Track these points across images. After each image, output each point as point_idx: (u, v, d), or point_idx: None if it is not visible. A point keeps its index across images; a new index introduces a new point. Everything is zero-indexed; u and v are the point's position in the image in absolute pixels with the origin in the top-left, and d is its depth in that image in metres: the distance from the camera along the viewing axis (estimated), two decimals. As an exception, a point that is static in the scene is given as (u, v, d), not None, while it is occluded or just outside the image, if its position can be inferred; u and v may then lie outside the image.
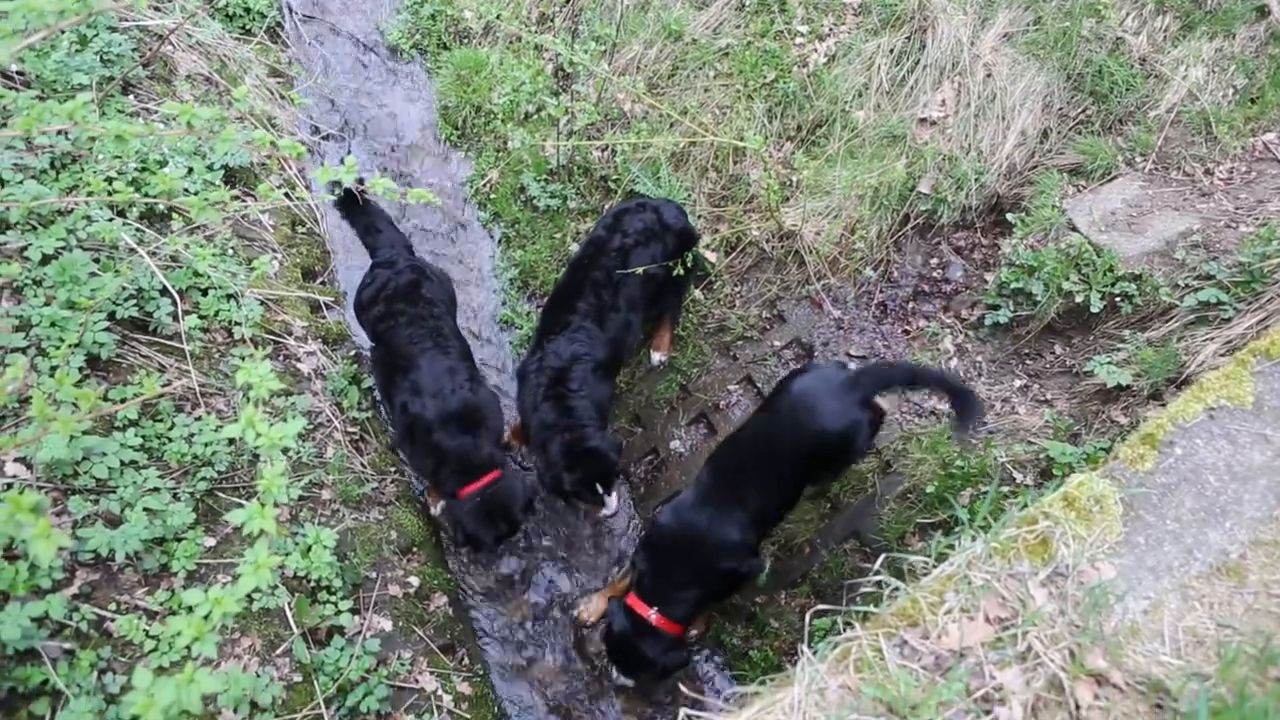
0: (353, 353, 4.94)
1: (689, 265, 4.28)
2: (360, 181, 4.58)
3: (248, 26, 6.18)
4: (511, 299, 5.39)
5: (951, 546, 2.09)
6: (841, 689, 1.72)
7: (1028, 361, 4.33)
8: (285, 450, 4.18)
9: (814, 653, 1.81)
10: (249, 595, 3.61)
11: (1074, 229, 4.29)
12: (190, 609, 1.99)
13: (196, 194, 4.67)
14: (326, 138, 6.07)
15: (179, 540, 3.48)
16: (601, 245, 4.25)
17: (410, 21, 6.58)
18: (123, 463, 3.48)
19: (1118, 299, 4.03)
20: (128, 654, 3.20)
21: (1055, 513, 2.03)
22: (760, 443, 3.75)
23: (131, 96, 4.89)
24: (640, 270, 4.10)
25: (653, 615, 3.79)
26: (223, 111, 2.96)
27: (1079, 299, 4.09)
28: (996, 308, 4.34)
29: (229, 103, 5.59)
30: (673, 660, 3.89)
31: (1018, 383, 4.29)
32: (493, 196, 5.72)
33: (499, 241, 5.63)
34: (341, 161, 4.35)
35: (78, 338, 3.58)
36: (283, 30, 6.44)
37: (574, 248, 5.19)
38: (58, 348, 3.52)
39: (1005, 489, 3.89)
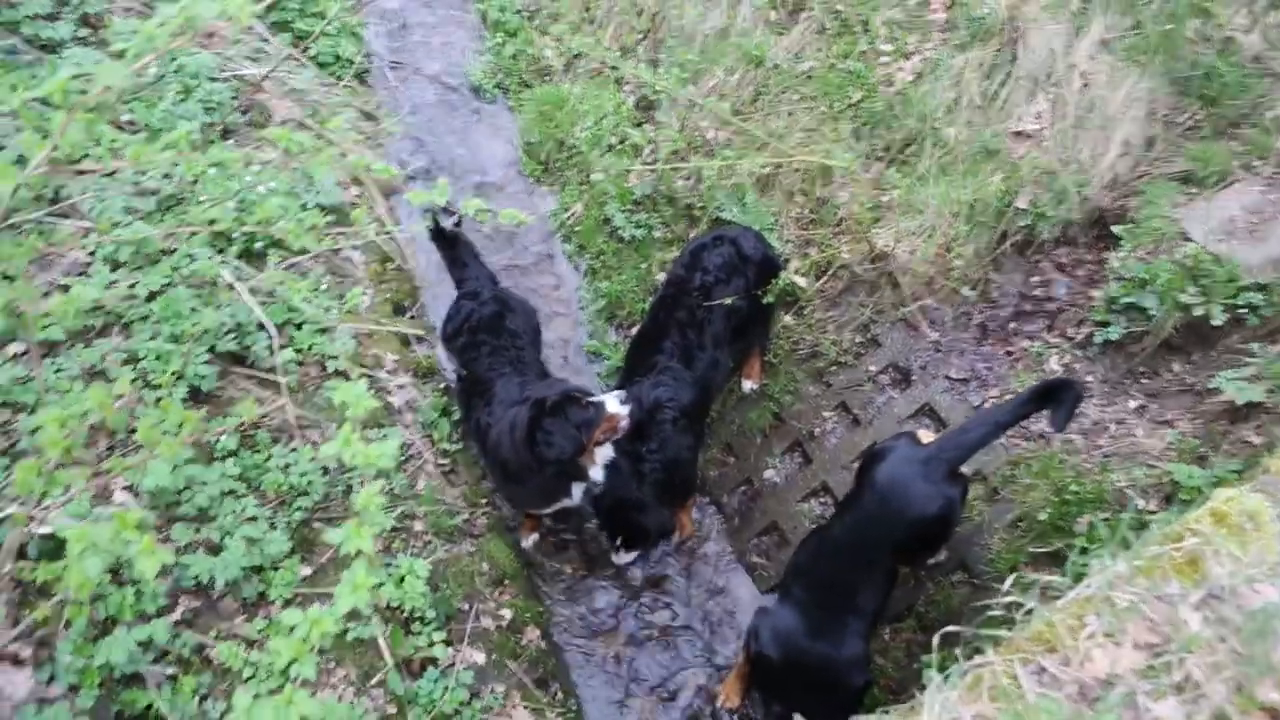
0: (442, 385, 4.97)
1: (774, 294, 4.20)
2: (449, 212, 4.71)
3: (337, 74, 6.38)
4: (598, 330, 5.37)
5: (1085, 567, 1.93)
6: (976, 719, 1.58)
7: (1143, 380, 4.09)
8: (380, 476, 4.21)
9: (944, 679, 1.67)
10: (344, 624, 3.63)
11: (1188, 239, 4.05)
12: (290, 629, 1.96)
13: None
14: (413, 177, 6.18)
15: (276, 569, 3.50)
16: (682, 285, 4.21)
17: (492, 62, 6.71)
18: (223, 492, 3.53)
19: (1241, 310, 3.77)
20: (227, 680, 3.21)
21: (1204, 529, 1.85)
22: (856, 542, 3.53)
23: (231, 141, 5.06)
24: (727, 301, 4.05)
25: None
26: (315, 142, 3.01)
27: (1198, 312, 3.84)
28: (1106, 324, 4.12)
29: (319, 147, 5.77)
30: None
31: (1133, 403, 4.04)
32: (577, 229, 5.74)
33: (584, 273, 5.63)
34: (430, 212, 4.45)
35: (180, 368, 3.67)
36: (370, 75, 6.63)
37: (660, 277, 5.15)
38: (162, 380, 3.63)
39: (1124, 515, 3.65)
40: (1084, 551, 3.68)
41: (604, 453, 3.91)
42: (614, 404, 3.74)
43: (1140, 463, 3.76)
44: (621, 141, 5.81)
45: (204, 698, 3.13)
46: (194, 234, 4.32)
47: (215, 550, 3.40)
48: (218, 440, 3.72)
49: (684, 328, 4.10)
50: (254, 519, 3.56)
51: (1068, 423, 3.40)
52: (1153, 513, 3.61)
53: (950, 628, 1.89)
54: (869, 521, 3.47)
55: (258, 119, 5.64)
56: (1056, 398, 3.36)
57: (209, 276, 4.09)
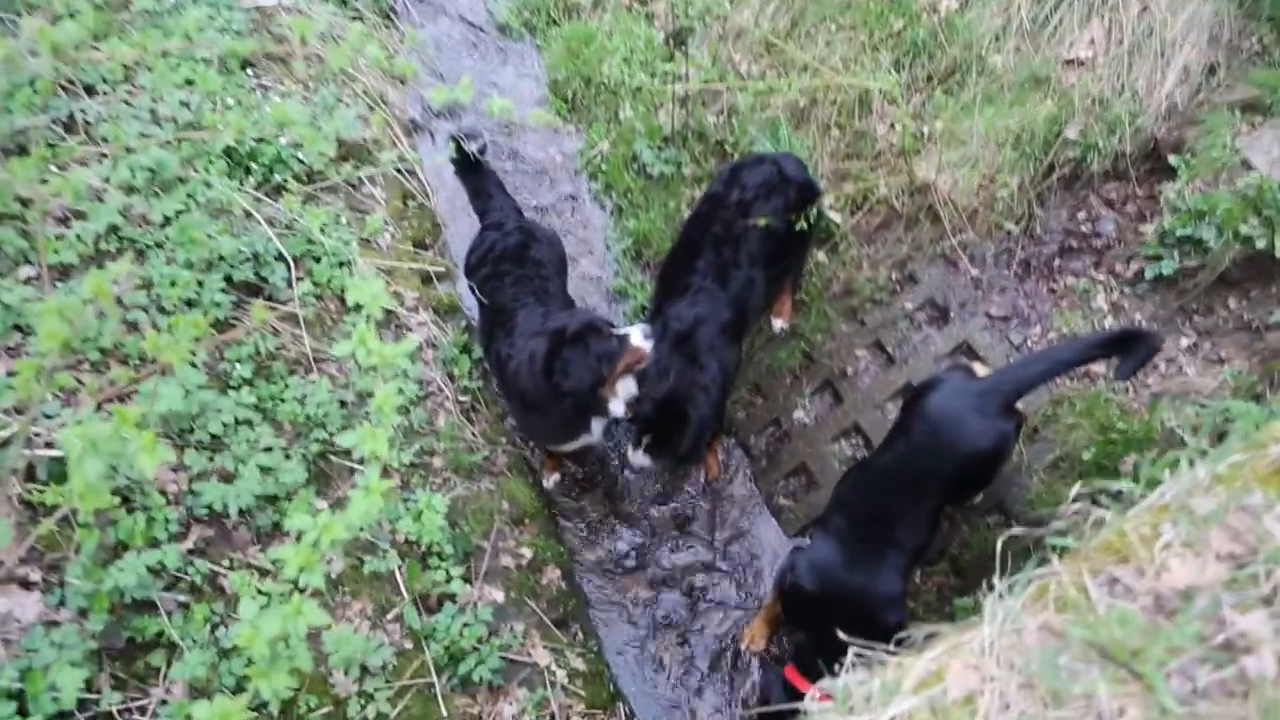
0: (464, 323, 4.84)
1: (812, 221, 4.00)
2: (473, 138, 4.56)
3: (360, 11, 6.21)
4: (625, 269, 5.21)
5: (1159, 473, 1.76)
6: (1042, 630, 1.43)
7: (1195, 318, 3.88)
8: (399, 410, 4.11)
9: (1007, 587, 1.52)
10: (360, 558, 3.54)
11: (1250, 169, 3.82)
12: (300, 536, 1.85)
13: (313, 167, 4.69)
14: (438, 115, 6.03)
15: (290, 499, 3.41)
16: (719, 200, 4.00)
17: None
18: (237, 420, 3.44)
19: (1307, 243, 3.55)
20: (240, 610, 3.13)
21: (1289, 438, 1.68)
22: (904, 475, 3.35)
23: (249, 71, 4.92)
24: (762, 222, 3.83)
25: (816, 695, 3.45)
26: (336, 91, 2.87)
27: (1260, 245, 3.62)
28: (1158, 259, 3.91)
29: (343, 81, 5.63)
30: None
31: (1185, 341, 3.85)
32: (604, 167, 5.56)
33: (611, 212, 5.47)
34: (454, 138, 4.25)
35: (196, 295, 3.57)
36: (395, 13, 6.45)
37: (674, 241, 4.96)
38: (175, 307, 3.53)
39: (1170, 454, 3.47)
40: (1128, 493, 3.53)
41: (626, 387, 3.76)
42: (638, 336, 3.58)
43: (1191, 401, 3.58)
44: (652, 76, 5.62)
45: (216, 626, 3.06)
46: (209, 160, 4.23)
47: (229, 479, 3.31)
48: (233, 368, 3.63)
49: (719, 244, 3.90)
50: (269, 449, 3.47)
51: (1134, 374, 3.22)
52: (1204, 452, 3.42)
53: (1015, 530, 1.73)
54: (917, 454, 3.31)
55: (276, 52, 5.50)
56: (1130, 348, 3.15)
57: (226, 203, 3.97)
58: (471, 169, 4.48)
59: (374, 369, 2.00)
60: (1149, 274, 3.93)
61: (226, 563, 3.22)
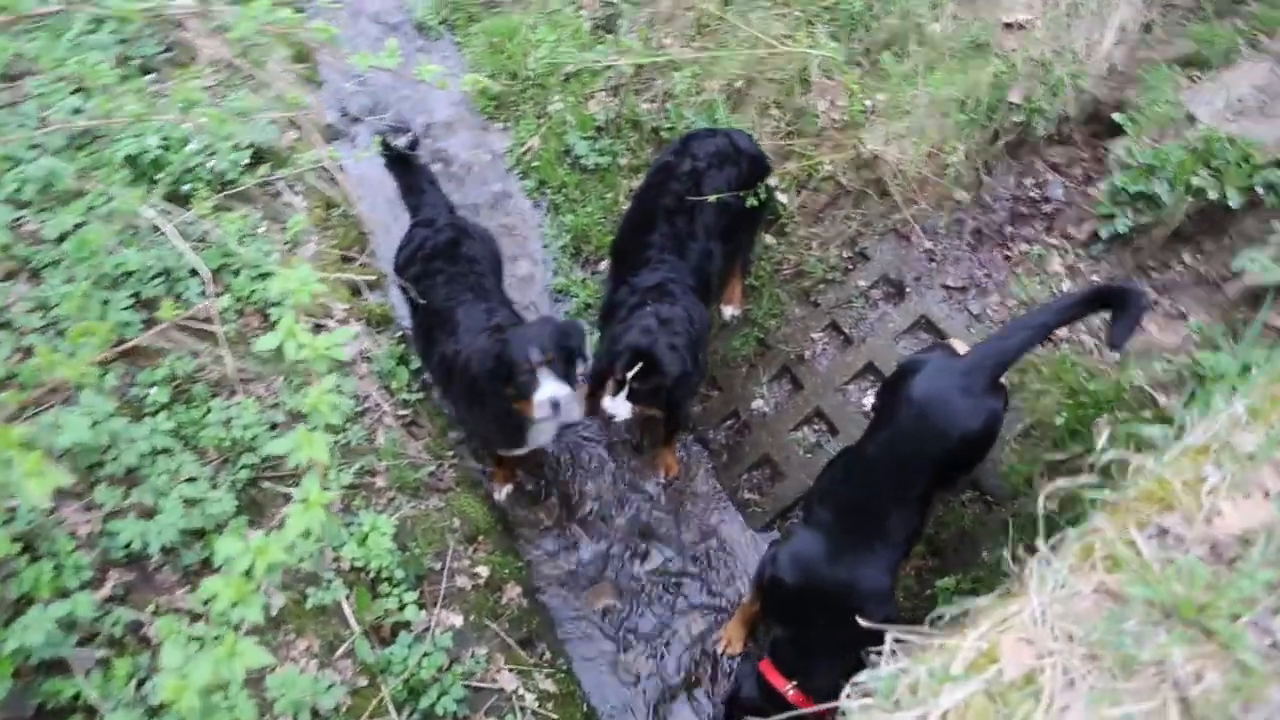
0: (399, 334, 4.57)
1: (763, 198, 3.84)
2: (400, 130, 4.33)
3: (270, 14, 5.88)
4: (564, 267, 4.99)
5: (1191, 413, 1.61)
6: (1098, 594, 1.25)
7: (1153, 275, 3.81)
8: (334, 431, 3.81)
9: (1049, 548, 1.34)
10: (302, 592, 3.24)
11: (1194, 121, 3.77)
12: (229, 564, 1.59)
13: (224, 176, 4.37)
14: (357, 120, 5.74)
15: (220, 531, 3.10)
16: (671, 170, 3.81)
17: (436, -3, 6.27)
18: (154, 449, 3.13)
19: (1260, 191, 3.50)
20: (164, 657, 2.81)
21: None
22: (891, 463, 3.14)
23: (151, 77, 4.58)
24: (713, 198, 3.65)
25: (790, 691, 3.19)
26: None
27: (1212, 196, 3.56)
28: (1111, 218, 3.83)
29: (256, 87, 5.31)
30: None
31: (1145, 300, 3.77)
32: (535, 164, 5.34)
33: (546, 209, 5.25)
34: (380, 134, 3.94)
35: (100, 314, 3.24)
36: (304, 14, 6.13)
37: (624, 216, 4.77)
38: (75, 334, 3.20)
39: (1147, 413, 3.38)
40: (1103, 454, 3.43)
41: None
42: (545, 394, 3.24)
43: (1158, 358, 3.49)
44: (579, 70, 5.43)
45: (142, 681, 2.73)
46: (111, 170, 3.90)
47: (148, 514, 3.00)
48: (146, 393, 3.30)
49: (672, 215, 3.71)
50: (193, 479, 3.16)
51: (1129, 338, 2.96)
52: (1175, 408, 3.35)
53: (1060, 483, 1.55)
54: (905, 440, 3.11)
55: (181, 58, 5.16)
56: (1117, 304, 2.96)
57: (129, 215, 3.64)
58: (402, 164, 4.24)
59: (305, 385, 1.74)
60: (1103, 233, 3.85)
61: (151, 609, 2.90)
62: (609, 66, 5.16)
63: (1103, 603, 1.25)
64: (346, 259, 4.92)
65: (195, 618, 2.92)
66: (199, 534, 3.07)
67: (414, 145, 4.27)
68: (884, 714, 1.16)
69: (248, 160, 4.56)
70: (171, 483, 3.08)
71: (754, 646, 3.86)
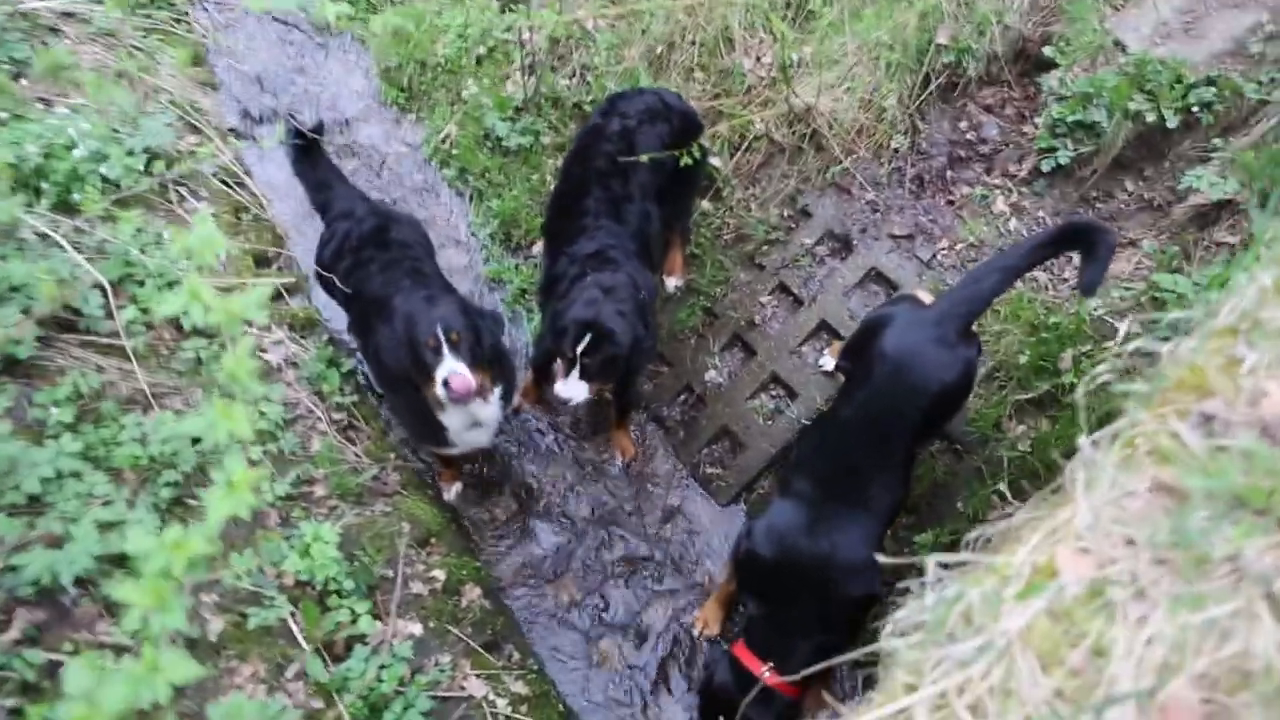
0: (326, 337, 4.29)
1: (698, 157, 3.68)
2: (318, 129, 4.05)
3: (151, 16, 5.52)
4: (495, 254, 4.76)
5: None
6: (1155, 490, 1.11)
7: (1098, 206, 3.78)
8: (268, 438, 3.53)
9: (1092, 444, 1.19)
10: (241, 613, 2.97)
11: (1124, 50, 3.74)
12: (144, 561, 1.35)
13: (118, 182, 4.03)
14: (259, 120, 5.42)
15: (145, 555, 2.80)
16: (600, 132, 3.62)
17: (331, -11, 5.95)
18: (60, 472, 2.81)
19: (1194, 110, 3.48)
20: (66, 682, 2.53)
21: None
22: (869, 425, 3.00)
23: (24, 82, 4.22)
24: (645, 158, 3.47)
25: (765, 673, 3.00)
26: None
27: (1149, 119, 3.54)
28: (1052, 150, 3.79)
29: (145, 93, 4.96)
30: None
31: (1092, 231, 3.73)
32: (454, 152, 5.10)
33: (470, 197, 5.00)
34: (289, 116, 3.64)
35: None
36: (190, 17, 5.78)
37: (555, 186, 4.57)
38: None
39: (1107, 345, 3.32)
40: (1071, 389, 3.36)
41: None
42: (443, 371, 2.99)
43: (1114, 287, 3.44)
44: (491, 51, 5.21)
45: (67, 724, 2.44)
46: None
47: (58, 543, 2.69)
48: (48, 413, 2.99)
49: (606, 178, 3.51)
50: (108, 501, 2.86)
51: (1101, 278, 2.82)
52: (1138, 334, 3.29)
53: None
54: (881, 399, 2.97)
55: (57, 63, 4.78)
56: (1084, 243, 2.84)
57: (8, 224, 3.31)
58: (307, 158, 3.96)
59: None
60: (1045, 167, 3.80)
61: (69, 647, 2.59)
62: (523, 45, 4.94)
63: (1159, 501, 1.10)
64: (263, 263, 4.62)
65: (122, 651, 2.63)
66: (119, 559, 2.77)
67: (320, 129, 3.99)
68: (938, 649, 0.99)
69: (143, 166, 4.22)
70: (83, 507, 2.77)
71: (732, 628, 3.70)
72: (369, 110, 5.55)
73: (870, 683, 3.39)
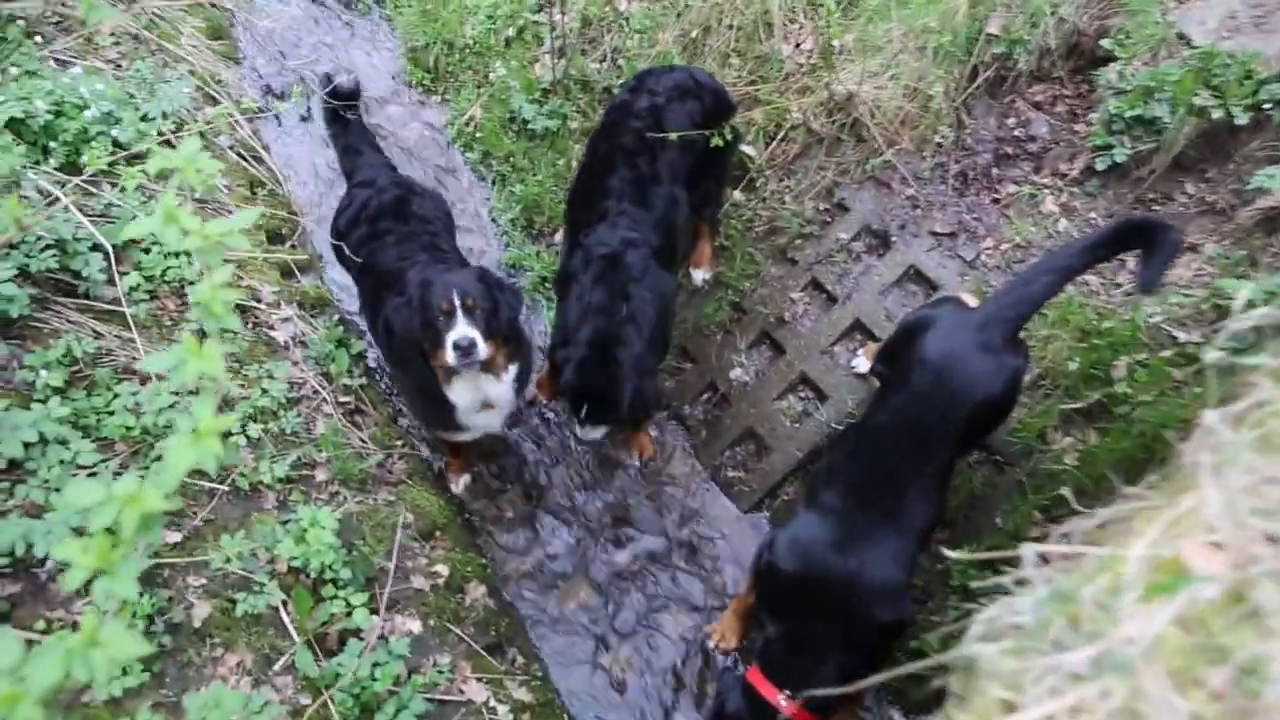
0: (336, 317, 4.12)
1: (729, 139, 3.49)
2: (354, 93, 3.94)
3: (176, -12, 5.41)
4: (516, 240, 4.59)
5: None
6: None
7: (1155, 208, 3.54)
8: (268, 416, 3.36)
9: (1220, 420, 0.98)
10: (230, 598, 2.79)
11: (1186, 41, 3.53)
12: (85, 515, 1.17)
13: (130, 146, 3.89)
14: (281, 96, 5.28)
15: (129, 530, 2.64)
16: (628, 108, 3.44)
17: (362, -33, 5.84)
18: (44, 437, 2.65)
19: (1265, 107, 3.26)
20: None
21: None
22: (906, 434, 2.77)
23: (37, 38, 4.09)
24: (674, 136, 3.29)
25: (782, 702, 2.77)
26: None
27: (1215, 115, 3.31)
28: (1108, 148, 3.56)
29: (167, 62, 4.84)
30: None
31: (1149, 234, 3.50)
32: (478, 135, 4.94)
33: (493, 182, 4.84)
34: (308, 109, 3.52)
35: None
36: (218, -9, 5.67)
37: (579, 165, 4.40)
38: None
39: (1167, 353, 3.10)
40: (1125, 399, 3.14)
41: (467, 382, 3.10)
42: (458, 334, 2.83)
43: (1172, 293, 3.22)
44: (520, 33, 5.06)
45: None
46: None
47: (37, 513, 2.52)
48: (36, 376, 2.83)
49: (633, 156, 3.32)
50: (94, 471, 2.69)
51: (1160, 279, 2.62)
52: (1198, 343, 3.07)
53: None
54: (920, 407, 2.74)
55: (80, 28, 4.66)
56: (1146, 241, 2.62)
57: (8, 177, 3.16)
58: (339, 121, 3.85)
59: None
60: (1100, 165, 3.58)
61: (41, 625, 2.42)
62: (553, 27, 4.78)
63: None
64: (276, 239, 4.47)
65: (99, 634, 2.45)
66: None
67: (355, 93, 3.88)
68: (1042, 659, 0.79)
69: (155, 132, 4.09)
70: (66, 474, 2.61)
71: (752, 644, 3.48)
72: (394, 90, 5.41)
73: (917, 707, 3.18)
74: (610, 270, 3.17)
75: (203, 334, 1.36)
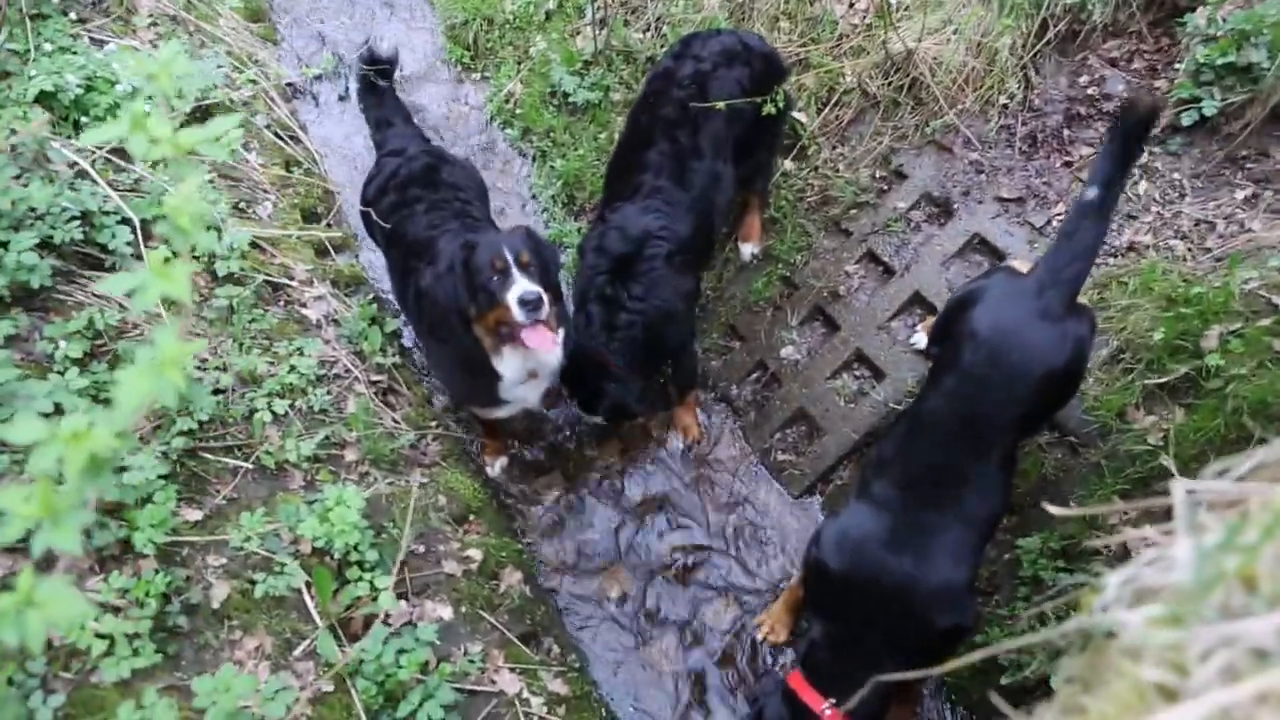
0: (370, 295, 4.00)
1: (780, 107, 3.27)
2: (391, 62, 3.85)
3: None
4: (557, 218, 4.43)
5: None
6: None
7: (1249, 166, 3.24)
8: (297, 394, 3.24)
9: None
10: (250, 579, 2.66)
11: (1285, -14, 3.22)
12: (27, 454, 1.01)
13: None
14: (319, 77, 5.19)
15: (146, 504, 2.52)
16: (670, 75, 3.24)
17: (401, -55, 5.72)
18: (59, 408, 2.54)
19: (1378, 51, 2.95)
20: (73, 665, 2.23)
21: None
22: (960, 418, 2.54)
23: (72, 15, 4.03)
24: (721, 105, 3.08)
25: (826, 711, 2.55)
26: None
27: (1318, 62, 3.01)
28: (1196, 100, 3.26)
29: (204, 42, 4.77)
30: None
31: (1240, 194, 3.20)
32: (518, 111, 4.79)
33: (534, 158, 4.69)
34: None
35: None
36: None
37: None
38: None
39: (1266, 322, 2.81)
40: (1217, 372, 2.85)
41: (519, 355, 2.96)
42: (514, 294, 2.70)
43: (1272, 255, 2.92)
44: (561, 3, 4.90)
45: (30, 693, 2.15)
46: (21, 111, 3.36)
47: (50, 486, 2.41)
48: (55, 347, 2.73)
49: (673, 129, 3.12)
50: (110, 446, 2.57)
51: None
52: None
53: None
54: (975, 388, 2.50)
55: (117, 10, 4.61)
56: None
57: (33, 148, 3.08)
58: (373, 92, 3.75)
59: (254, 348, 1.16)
60: (1185, 120, 3.28)
61: None
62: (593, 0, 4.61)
63: None
64: (311, 218, 4.36)
65: (109, 609, 2.33)
66: (113, 510, 2.49)
67: (394, 59, 3.79)
68: (1210, 629, 0.58)
69: (190, 109, 4.01)
70: (80, 450, 2.49)
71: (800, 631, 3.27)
72: (432, 69, 5.30)
73: (983, 708, 2.94)
74: (617, 275, 3.04)
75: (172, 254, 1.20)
